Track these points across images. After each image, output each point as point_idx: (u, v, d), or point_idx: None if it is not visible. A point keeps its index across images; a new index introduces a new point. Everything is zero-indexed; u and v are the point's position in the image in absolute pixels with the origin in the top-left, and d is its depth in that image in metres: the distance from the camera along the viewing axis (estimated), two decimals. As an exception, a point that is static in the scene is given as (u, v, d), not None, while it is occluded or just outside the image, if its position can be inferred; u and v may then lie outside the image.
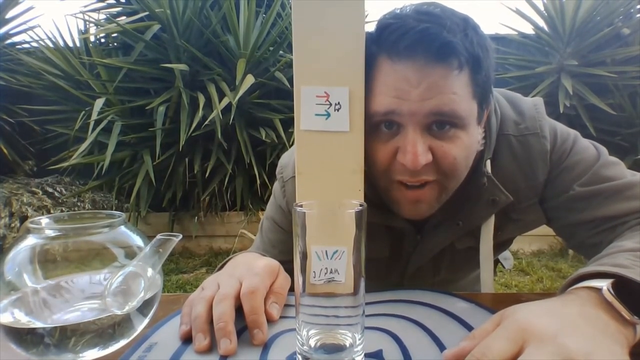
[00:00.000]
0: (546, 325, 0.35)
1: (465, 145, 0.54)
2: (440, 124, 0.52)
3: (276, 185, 0.75)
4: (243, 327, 0.48)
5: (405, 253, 0.70)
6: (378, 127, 0.54)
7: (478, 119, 0.56)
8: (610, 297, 0.39)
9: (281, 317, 0.52)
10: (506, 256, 0.90)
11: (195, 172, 2.70)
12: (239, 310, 0.48)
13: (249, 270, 0.53)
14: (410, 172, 0.53)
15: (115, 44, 3.02)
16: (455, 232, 0.65)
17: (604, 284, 0.40)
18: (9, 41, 3.30)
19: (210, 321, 0.46)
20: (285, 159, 0.73)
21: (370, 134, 0.55)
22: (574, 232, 0.63)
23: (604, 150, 0.63)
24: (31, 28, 3.26)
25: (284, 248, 0.72)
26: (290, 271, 0.56)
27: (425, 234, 0.67)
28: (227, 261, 0.63)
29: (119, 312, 0.39)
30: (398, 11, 0.53)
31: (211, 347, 0.45)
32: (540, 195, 0.63)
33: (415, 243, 0.68)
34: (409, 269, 0.71)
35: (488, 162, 0.61)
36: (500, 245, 0.66)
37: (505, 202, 0.61)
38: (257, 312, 0.47)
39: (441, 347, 0.44)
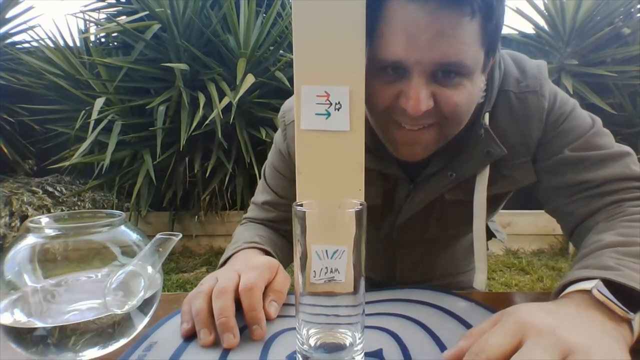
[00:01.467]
0: (545, 320, 0.35)
1: (469, 93, 0.54)
2: (446, 71, 0.52)
3: (277, 132, 0.76)
4: (243, 325, 0.48)
5: (397, 202, 0.70)
6: (383, 69, 0.54)
7: (483, 67, 0.55)
8: (601, 297, 0.39)
9: (281, 316, 0.52)
10: (497, 228, 0.90)
11: (195, 171, 2.70)
12: (238, 303, 0.48)
13: (247, 264, 0.54)
14: (410, 117, 0.53)
15: (116, 43, 3.01)
16: (447, 183, 0.65)
17: (592, 285, 0.40)
18: (9, 40, 3.30)
19: (212, 315, 0.46)
20: (288, 104, 0.74)
21: (373, 74, 0.54)
22: (552, 196, 0.64)
23: (598, 120, 0.64)
24: (31, 27, 3.26)
25: (285, 193, 0.75)
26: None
27: (418, 183, 0.67)
28: (227, 259, 0.63)
29: (119, 312, 0.39)
30: None
31: (215, 342, 0.45)
32: (533, 155, 0.64)
33: (408, 192, 0.68)
34: (399, 219, 0.71)
35: (487, 115, 0.61)
36: (490, 203, 0.66)
37: (499, 155, 0.61)
38: (256, 309, 0.47)
39: (441, 346, 0.44)
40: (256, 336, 0.46)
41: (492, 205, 0.66)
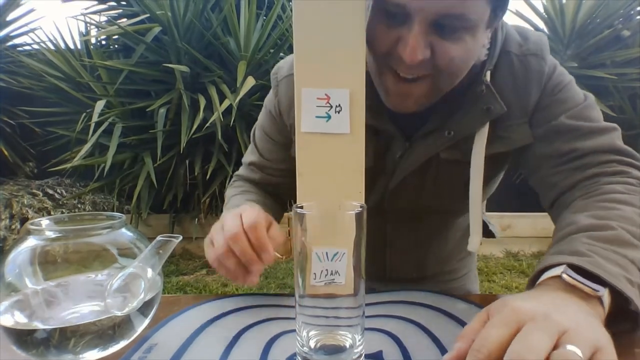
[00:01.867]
0: (535, 307, 0.37)
1: (468, 48, 0.54)
2: (448, 23, 0.52)
3: (269, 93, 0.75)
4: (245, 327, 0.48)
5: (391, 162, 0.69)
6: (386, 12, 0.54)
7: (488, 23, 0.55)
8: (570, 280, 0.41)
9: (281, 318, 0.52)
10: (490, 221, 0.89)
11: (195, 174, 2.70)
12: (237, 311, 0.48)
13: (245, 205, 0.59)
14: (406, 65, 0.53)
15: (116, 46, 3.02)
16: (445, 141, 0.64)
17: (562, 270, 0.42)
18: (10, 43, 3.31)
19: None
20: (281, 63, 0.74)
21: (375, 16, 0.54)
22: (539, 165, 0.64)
23: (591, 95, 0.65)
24: (32, 30, 3.27)
25: (271, 156, 0.76)
26: (284, 174, 0.74)
27: (414, 141, 0.66)
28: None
29: (119, 313, 0.40)
30: None
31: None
32: (529, 119, 0.64)
33: (403, 151, 0.67)
34: (392, 181, 0.69)
35: (488, 73, 0.61)
36: (485, 166, 0.65)
37: (499, 112, 0.61)
38: (263, 240, 0.52)
39: (441, 348, 0.44)
40: (266, 260, 0.52)
41: (488, 170, 0.65)
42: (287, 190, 0.78)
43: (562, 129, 0.62)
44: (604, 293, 0.41)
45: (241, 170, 0.82)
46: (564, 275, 0.42)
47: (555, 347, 0.33)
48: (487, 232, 0.86)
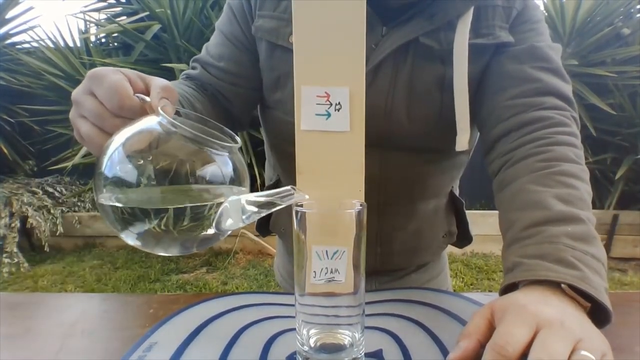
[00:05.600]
0: (550, 311, 0.37)
1: None
2: None
3: None
4: (243, 326, 0.48)
5: (366, 49, 0.61)
6: None
7: None
8: (570, 293, 0.41)
9: (281, 316, 0.52)
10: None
11: (195, 172, 2.70)
12: (237, 309, 0.48)
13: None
14: None
15: (116, 44, 3.02)
16: (425, 25, 0.61)
17: (560, 281, 0.42)
18: (9, 41, 3.31)
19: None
20: None
21: None
22: (501, 87, 0.61)
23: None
24: (31, 28, 3.27)
25: (215, 51, 0.71)
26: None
27: (393, 27, 0.62)
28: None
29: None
30: None
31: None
32: (509, 27, 0.62)
33: (379, 39, 0.63)
34: (367, 67, 0.62)
35: None
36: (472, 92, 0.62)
37: None
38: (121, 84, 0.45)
39: (441, 347, 0.44)
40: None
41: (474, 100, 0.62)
42: (229, 99, 0.72)
43: (537, 52, 0.60)
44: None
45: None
46: (564, 286, 0.42)
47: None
48: (466, 237, 0.83)
